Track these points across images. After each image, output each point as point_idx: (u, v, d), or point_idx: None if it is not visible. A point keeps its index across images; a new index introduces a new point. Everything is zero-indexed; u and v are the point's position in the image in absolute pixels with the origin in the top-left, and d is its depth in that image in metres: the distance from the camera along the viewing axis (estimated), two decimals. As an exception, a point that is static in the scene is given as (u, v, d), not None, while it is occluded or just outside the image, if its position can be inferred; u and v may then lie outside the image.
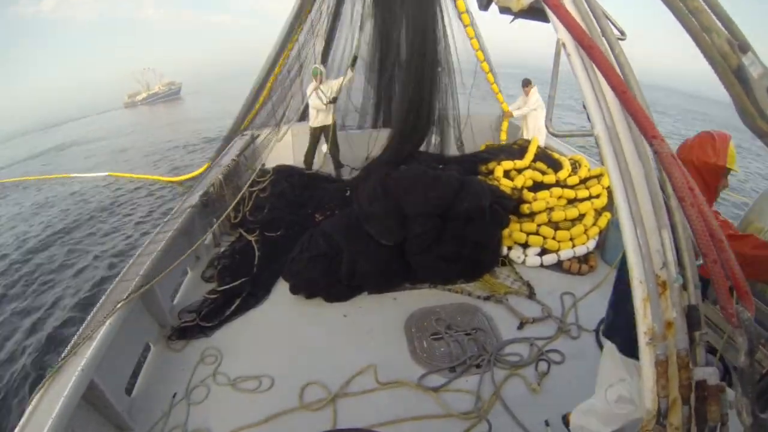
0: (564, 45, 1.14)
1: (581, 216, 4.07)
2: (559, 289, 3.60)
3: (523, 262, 3.97)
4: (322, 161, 6.27)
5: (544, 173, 4.49)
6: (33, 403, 1.87)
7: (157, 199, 10.83)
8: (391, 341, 3.04)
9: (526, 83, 6.11)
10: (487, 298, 3.48)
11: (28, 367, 4.83)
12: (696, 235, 0.83)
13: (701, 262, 1.18)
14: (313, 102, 5.61)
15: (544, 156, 4.87)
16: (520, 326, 3.16)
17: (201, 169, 8.53)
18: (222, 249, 4.23)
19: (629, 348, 1.58)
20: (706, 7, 0.94)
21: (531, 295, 3.53)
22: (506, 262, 4.01)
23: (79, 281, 6.94)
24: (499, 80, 6.46)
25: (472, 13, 5.82)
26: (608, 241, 4.11)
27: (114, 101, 40.57)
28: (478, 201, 3.64)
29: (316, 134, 5.90)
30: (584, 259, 3.97)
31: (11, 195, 13.44)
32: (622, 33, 1.27)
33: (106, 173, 13.70)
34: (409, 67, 4.65)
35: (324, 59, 6.28)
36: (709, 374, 0.88)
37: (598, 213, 4.15)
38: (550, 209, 4.05)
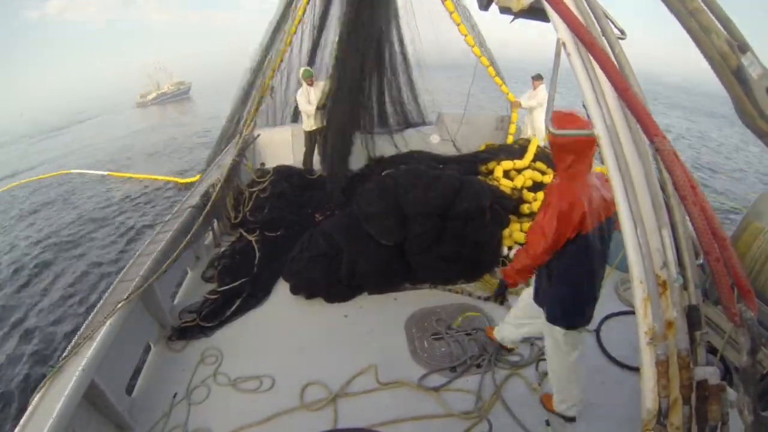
0: (564, 44, 1.14)
1: (581, 216, 4.06)
2: None
3: (524, 262, 3.96)
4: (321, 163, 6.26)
5: (544, 173, 4.49)
6: (33, 402, 1.87)
7: (163, 200, 10.86)
8: (392, 341, 3.04)
9: (538, 77, 6.10)
10: (487, 299, 3.48)
11: (29, 367, 4.83)
12: (698, 234, 0.83)
13: (701, 261, 1.18)
14: (303, 107, 5.62)
15: (544, 156, 4.87)
16: (521, 326, 3.16)
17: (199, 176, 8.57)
18: (222, 249, 4.23)
19: (537, 298, 2.21)
20: (705, 8, 0.94)
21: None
22: (506, 262, 4.01)
23: (78, 280, 6.94)
24: (502, 74, 6.43)
25: (466, 10, 5.83)
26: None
27: (127, 102, 40.90)
28: (478, 201, 3.63)
29: (312, 137, 5.91)
30: (584, 259, 3.96)
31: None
32: (622, 32, 1.27)
33: (106, 173, 13.73)
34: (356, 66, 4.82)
35: (311, 60, 6.26)
36: (710, 374, 0.88)
37: (598, 213, 4.14)
38: (551, 209, 4.04)
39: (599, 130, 1.09)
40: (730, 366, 2.56)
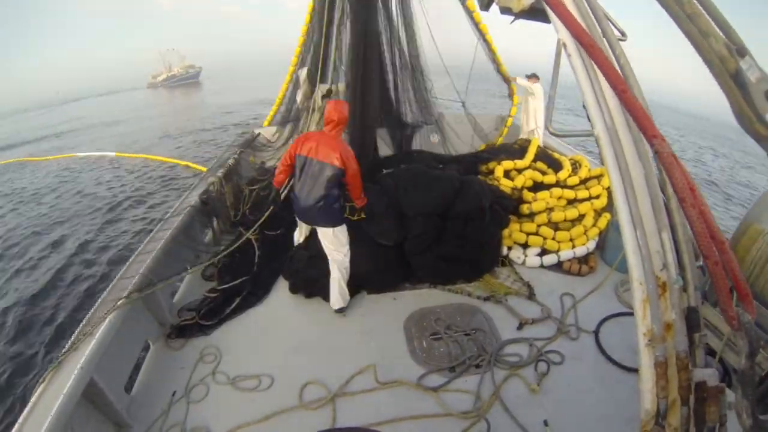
0: (564, 45, 1.14)
1: (581, 217, 4.07)
2: (558, 289, 3.60)
3: (523, 263, 3.96)
4: None
5: (544, 173, 4.48)
6: (33, 399, 1.87)
7: (169, 180, 10.83)
8: (391, 341, 3.04)
9: (533, 76, 6.08)
10: (486, 299, 3.48)
11: (28, 364, 4.83)
12: (697, 237, 0.82)
13: (700, 263, 1.18)
14: (303, 105, 5.60)
15: (544, 156, 4.87)
16: (520, 327, 3.16)
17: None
18: (222, 247, 4.22)
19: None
20: (703, 12, 0.94)
21: (531, 295, 3.53)
22: (506, 262, 4.01)
23: (79, 277, 6.91)
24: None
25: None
26: (608, 242, 4.10)
27: (139, 81, 41.98)
28: (478, 201, 3.63)
29: None
30: (584, 260, 3.97)
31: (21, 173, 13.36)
32: (623, 34, 1.27)
33: (114, 153, 13.67)
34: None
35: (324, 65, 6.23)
36: (709, 375, 0.88)
37: (598, 214, 4.15)
38: (550, 210, 4.05)
39: (599, 130, 1.09)
40: (729, 368, 2.55)
